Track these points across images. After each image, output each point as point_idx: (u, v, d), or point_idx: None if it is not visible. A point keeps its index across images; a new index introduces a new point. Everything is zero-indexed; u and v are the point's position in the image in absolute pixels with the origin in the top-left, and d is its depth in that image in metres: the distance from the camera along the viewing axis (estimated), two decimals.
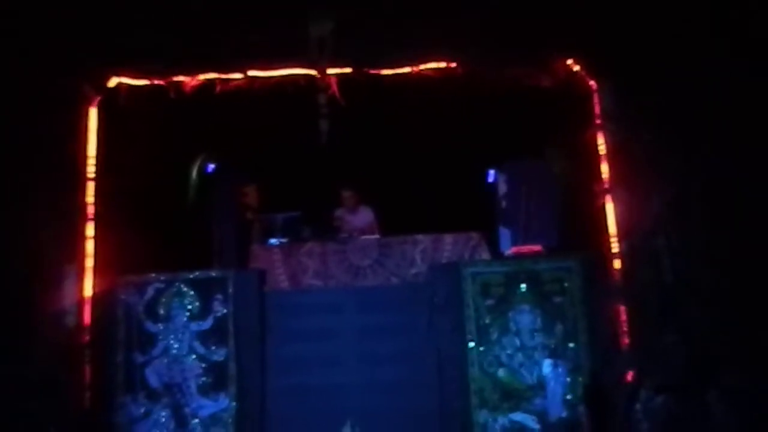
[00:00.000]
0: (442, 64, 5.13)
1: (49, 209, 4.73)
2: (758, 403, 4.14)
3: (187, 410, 4.97)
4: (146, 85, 5.17)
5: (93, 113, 5.14)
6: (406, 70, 5.13)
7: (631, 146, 4.87)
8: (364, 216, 6.30)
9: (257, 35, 5.00)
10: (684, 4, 4.67)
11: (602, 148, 5.07)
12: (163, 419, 4.97)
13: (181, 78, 5.13)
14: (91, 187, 5.06)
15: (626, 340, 4.79)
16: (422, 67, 5.13)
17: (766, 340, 4.22)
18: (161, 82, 5.14)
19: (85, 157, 5.06)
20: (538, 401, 4.83)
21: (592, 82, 5.14)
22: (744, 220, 4.42)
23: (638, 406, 4.44)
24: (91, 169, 5.07)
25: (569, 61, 5.14)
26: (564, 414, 4.74)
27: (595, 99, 5.12)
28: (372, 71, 5.11)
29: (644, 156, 4.76)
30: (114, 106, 5.15)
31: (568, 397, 4.77)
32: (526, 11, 4.90)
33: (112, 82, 5.16)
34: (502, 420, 4.84)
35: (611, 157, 5.02)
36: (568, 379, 4.79)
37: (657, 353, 4.51)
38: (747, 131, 4.49)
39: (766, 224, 4.38)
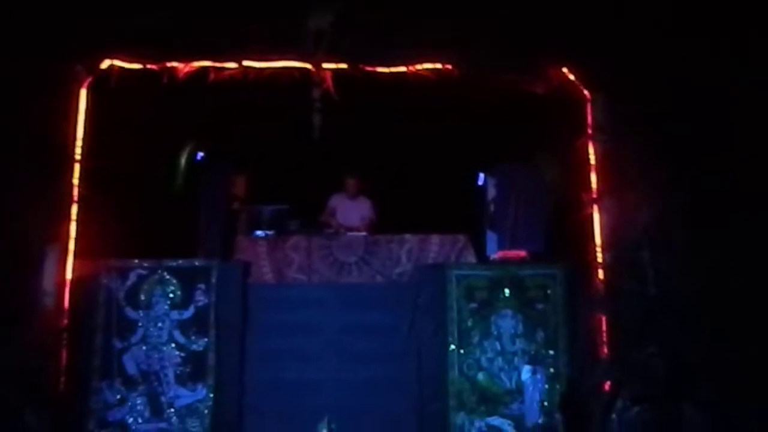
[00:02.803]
0: (438, 65, 5.13)
1: (34, 190, 4.65)
2: (733, 417, 4.19)
3: (163, 399, 4.94)
4: (139, 69, 5.10)
5: (83, 94, 5.07)
6: (402, 69, 5.12)
7: (620, 158, 4.90)
8: (362, 206, 6.27)
9: (255, 25, 4.96)
10: (679, 19, 4.70)
11: (593, 158, 5.10)
12: (139, 407, 4.93)
13: (174, 64, 5.07)
14: (77, 169, 4.99)
15: (605, 350, 4.82)
16: (418, 67, 5.12)
17: (744, 355, 4.27)
18: (154, 67, 5.08)
19: (73, 138, 4.98)
20: (515, 406, 4.86)
21: (585, 92, 5.16)
22: (729, 235, 4.46)
23: (614, 415, 4.48)
24: (78, 151, 5.01)
25: (564, 70, 5.16)
26: (540, 420, 4.77)
27: (588, 109, 5.14)
28: (368, 68, 5.09)
29: (633, 168, 4.78)
30: (105, 88, 5.08)
31: (546, 403, 4.80)
32: (524, 18, 4.90)
33: (105, 63, 5.09)
34: (479, 423, 4.86)
35: (600, 167, 5.05)
36: (546, 386, 4.82)
37: (635, 364, 4.54)
38: (736, 146, 4.54)
39: (751, 239, 4.43)
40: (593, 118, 5.11)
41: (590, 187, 5.06)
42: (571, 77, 5.14)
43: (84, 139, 5.04)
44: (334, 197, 6.29)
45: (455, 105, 5.54)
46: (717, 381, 4.27)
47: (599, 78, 5.00)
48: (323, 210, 6.25)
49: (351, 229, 6.05)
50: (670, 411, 4.31)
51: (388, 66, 5.10)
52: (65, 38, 4.79)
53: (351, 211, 6.21)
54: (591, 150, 5.10)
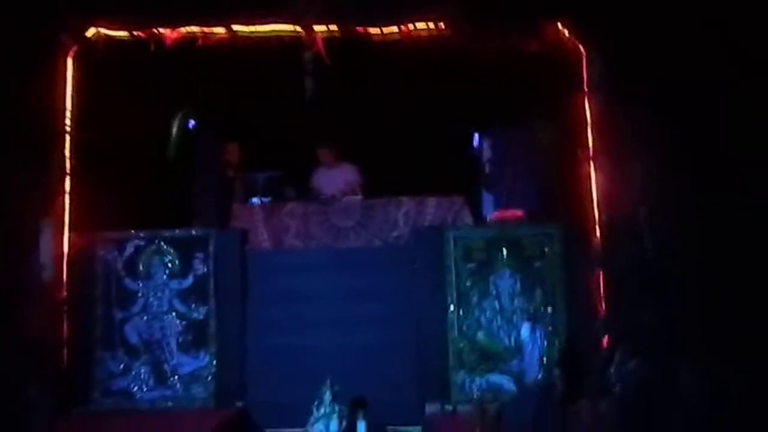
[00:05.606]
0: (431, 25, 5.03)
1: (25, 164, 4.60)
2: (723, 374, 4.25)
3: (166, 367, 5.00)
4: (125, 37, 5.00)
5: (69, 64, 4.97)
6: (394, 29, 5.02)
7: (617, 115, 4.85)
8: (345, 173, 6.15)
9: None
10: None
11: (589, 116, 5.06)
12: (143, 375, 4.99)
13: (161, 30, 4.96)
14: (67, 141, 4.93)
15: (603, 307, 4.88)
16: (410, 26, 5.02)
17: (738, 313, 4.32)
18: (141, 34, 4.97)
19: (61, 110, 4.91)
20: (515, 363, 4.93)
21: (581, 48, 5.09)
22: (727, 196, 4.46)
23: (612, 369, 4.54)
24: (67, 123, 4.93)
25: (558, 26, 5.07)
26: (540, 376, 4.83)
27: (584, 65, 5.08)
28: (359, 30, 5.00)
29: (630, 126, 4.74)
30: (92, 57, 4.98)
31: (545, 360, 4.86)
32: None
33: (90, 31, 4.97)
34: (479, 380, 4.95)
35: (597, 125, 5.01)
36: (545, 343, 4.88)
37: (631, 319, 4.60)
38: (735, 107, 4.50)
39: (749, 200, 4.43)
40: (589, 74, 5.05)
41: (587, 146, 5.04)
42: (566, 33, 5.07)
43: (73, 111, 4.96)
44: (315, 174, 6.12)
45: (449, 66, 5.44)
46: (714, 337, 4.33)
47: (595, 32, 4.92)
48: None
49: (343, 193, 5.96)
50: (666, 365, 4.37)
51: (380, 26, 5.00)
52: (49, 5, 4.66)
53: (332, 179, 6.06)
54: (587, 107, 5.06)
